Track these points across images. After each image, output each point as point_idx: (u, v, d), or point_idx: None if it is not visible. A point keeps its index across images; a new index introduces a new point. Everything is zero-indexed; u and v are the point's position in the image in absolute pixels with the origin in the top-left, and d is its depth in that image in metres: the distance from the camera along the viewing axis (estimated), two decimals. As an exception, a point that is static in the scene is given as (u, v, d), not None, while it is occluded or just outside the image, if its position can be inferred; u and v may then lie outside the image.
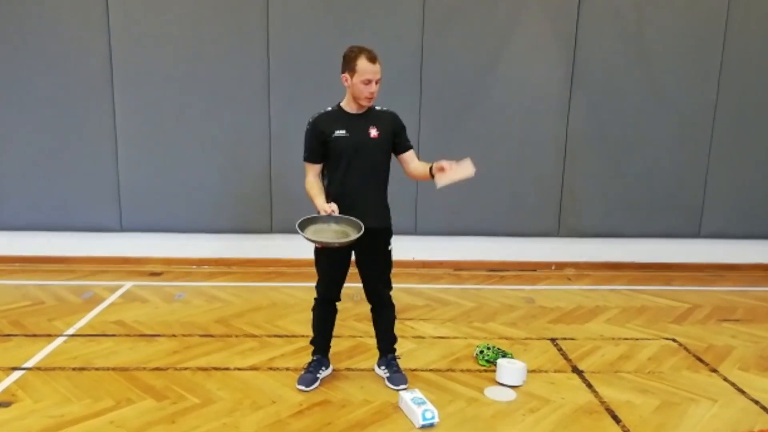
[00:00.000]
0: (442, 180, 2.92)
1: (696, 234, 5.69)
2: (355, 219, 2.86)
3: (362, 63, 2.84)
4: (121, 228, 5.39)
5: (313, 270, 3.19)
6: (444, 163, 2.92)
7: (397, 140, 3.07)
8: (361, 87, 2.87)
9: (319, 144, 2.97)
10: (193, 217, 5.38)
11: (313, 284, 3.21)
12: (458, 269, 5.59)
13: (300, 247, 5.32)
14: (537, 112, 5.38)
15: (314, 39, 5.14)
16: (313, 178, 3.04)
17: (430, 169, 2.99)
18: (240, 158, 5.31)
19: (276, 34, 5.13)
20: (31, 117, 5.16)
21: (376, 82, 2.88)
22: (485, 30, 5.24)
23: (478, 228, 5.57)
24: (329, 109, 3.03)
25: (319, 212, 2.94)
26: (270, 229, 5.46)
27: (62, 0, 5.00)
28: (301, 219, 2.86)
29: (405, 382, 3.17)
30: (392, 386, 3.15)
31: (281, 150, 5.29)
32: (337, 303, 3.23)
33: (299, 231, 2.80)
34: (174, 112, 5.21)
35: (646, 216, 5.60)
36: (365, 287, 3.20)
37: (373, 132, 2.98)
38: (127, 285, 4.88)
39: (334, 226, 2.89)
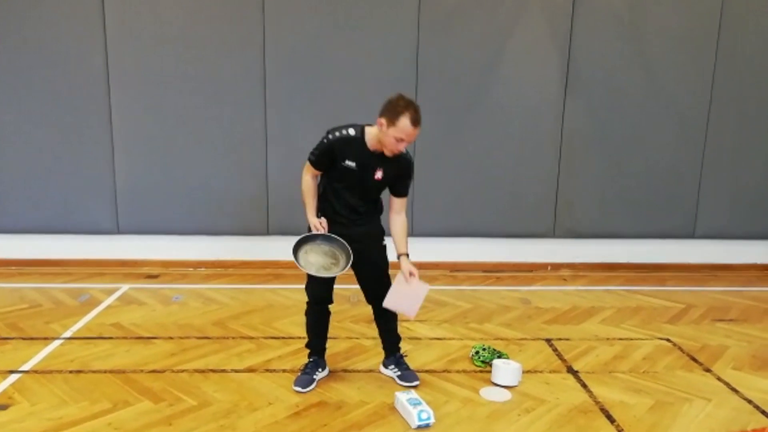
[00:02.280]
0: (391, 303, 3.08)
1: (690, 235, 5.73)
2: (343, 242, 2.98)
3: (404, 122, 2.75)
4: (118, 230, 5.40)
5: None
6: (413, 272, 3.03)
7: (395, 183, 3.06)
8: (392, 141, 2.81)
9: (327, 161, 2.97)
10: (190, 219, 5.39)
11: (309, 286, 3.22)
12: (454, 270, 5.61)
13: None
14: (533, 114, 5.40)
15: (310, 40, 5.16)
16: (310, 179, 3.06)
17: (398, 255, 3.08)
18: (236, 160, 5.32)
19: (272, 36, 5.14)
20: (27, 120, 5.16)
21: (408, 142, 2.86)
22: (481, 31, 5.26)
23: (474, 229, 5.60)
24: (352, 133, 2.92)
25: (309, 226, 3.05)
26: (266, 231, 5.47)
27: (59, 2, 5.01)
28: (295, 242, 2.98)
29: (417, 379, 3.21)
30: (405, 384, 3.18)
31: (278, 152, 5.30)
32: (329, 305, 3.22)
33: (293, 258, 2.96)
34: (170, 114, 5.22)
35: (641, 217, 5.64)
36: (365, 288, 3.21)
37: (378, 174, 2.96)
38: (124, 287, 4.89)
39: (324, 247, 3.01)
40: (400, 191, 3.10)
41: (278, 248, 5.49)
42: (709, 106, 5.48)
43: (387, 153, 2.88)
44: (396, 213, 3.12)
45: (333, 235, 3.01)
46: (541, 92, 5.38)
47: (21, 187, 5.28)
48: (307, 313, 3.24)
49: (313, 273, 2.97)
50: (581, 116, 5.45)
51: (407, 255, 3.09)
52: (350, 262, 2.97)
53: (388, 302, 3.09)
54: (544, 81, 5.36)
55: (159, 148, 5.27)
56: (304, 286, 3.18)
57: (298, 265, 2.96)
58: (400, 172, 3.02)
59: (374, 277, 3.17)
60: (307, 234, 3.03)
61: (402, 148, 2.85)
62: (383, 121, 2.81)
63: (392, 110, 2.78)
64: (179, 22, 5.10)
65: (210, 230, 5.46)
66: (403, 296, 3.07)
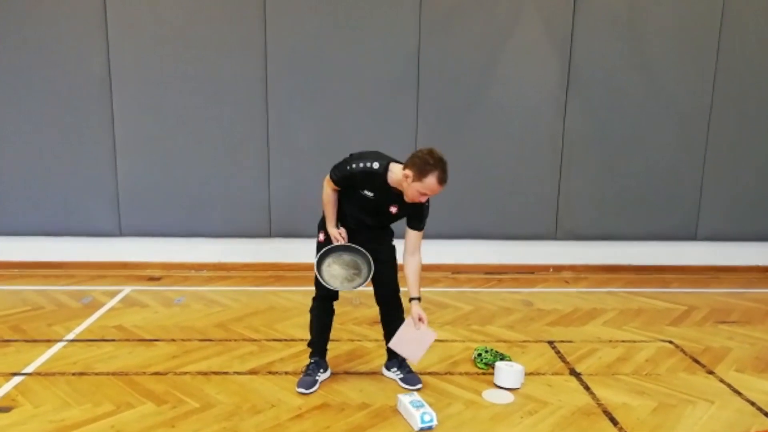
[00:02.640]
0: (396, 345, 3.13)
1: (692, 236, 5.72)
2: (364, 251, 3.05)
3: (432, 180, 2.74)
4: (120, 233, 5.40)
5: (311, 274, 3.20)
6: (422, 317, 3.06)
7: (410, 218, 3.06)
8: (416, 194, 2.81)
9: (347, 185, 2.97)
10: (192, 221, 5.39)
11: (311, 288, 3.22)
12: (456, 272, 5.60)
13: (298, 251, 5.38)
14: (533, 115, 5.40)
15: (311, 40, 5.17)
16: (331, 192, 3.06)
17: (410, 298, 3.10)
18: (238, 162, 5.33)
19: (273, 36, 5.15)
20: (29, 121, 5.17)
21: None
22: (481, 31, 5.26)
23: (476, 231, 5.60)
24: (375, 167, 2.87)
25: (328, 236, 3.11)
26: (269, 234, 5.47)
27: (61, 2, 5.02)
28: (318, 256, 3.06)
29: (420, 381, 3.22)
30: (408, 386, 3.19)
31: (279, 154, 5.31)
32: (334, 303, 3.24)
33: (317, 274, 3.04)
34: (172, 116, 5.22)
35: (643, 218, 5.63)
36: (376, 287, 3.21)
37: (393, 209, 3.00)
38: (126, 290, 4.89)
39: (346, 258, 3.08)
40: (414, 225, 3.07)
41: (280, 250, 5.52)
42: (711, 106, 5.48)
43: (407, 199, 2.89)
44: (410, 254, 3.08)
45: (354, 246, 3.06)
46: (541, 92, 5.38)
47: (22, 189, 5.28)
48: (312, 310, 3.26)
49: (338, 287, 3.03)
50: (582, 116, 5.45)
51: (419, 299, 3.10)
52: (372, 272, 3.04)
53: (394, 344, 3.14)
54: (544, 81, 5.36)
55: (161, 150, 5.28)
56: (305, 288, 3.18)
57: (322, 281, 3.03)
58: (413, 210, 3.02)
59: (383, 278, 3.17)
60: (328, 247, 3.07)
61: (423, 200, 2.87)
62: (410, 173, 2.77)
63: (421, 166, 2.74)
64: (180, 22, 5.10)
65: (212, 233, 5.46)
66: (410, 340, 3.11)
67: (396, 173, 2.87)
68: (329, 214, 3.08)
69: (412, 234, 3.07)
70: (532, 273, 5.66)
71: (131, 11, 5.06)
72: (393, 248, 3.20)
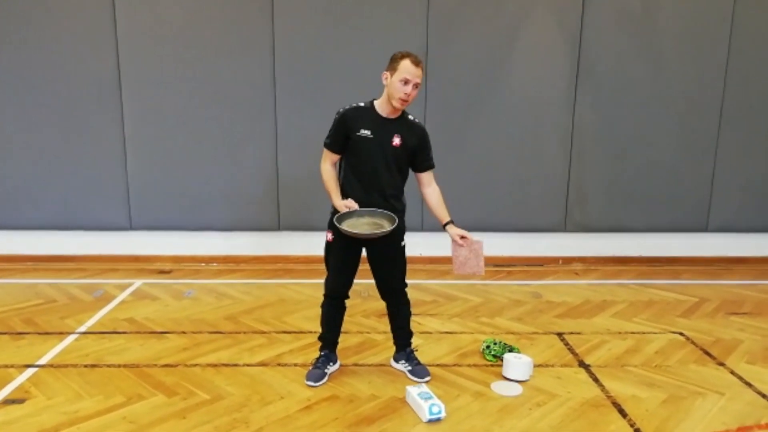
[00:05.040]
0: (459, 270, 3.21)
1: (703, 228, 5.68)
2: (379, 210, 2.97)
3: (405, 63, 2.87)
4: (131, 226, 5.44)
5: (320, 266, 3.21)
6: (463, 234, 3.12)
7: (418, 157, 3.07)
8: (398, 85, 2.87)
9: (343, 137, 2.98)
10: (202, 215, 5.42)
11: (321, 281, 3.23)
12: (465, 265, 5.59)
13: (307, 244, 5.40)
14: (543, 108, 5.38)
15: (318, 39, 5.17)
16: (329, 167, 3.06)
17: (444, 224, 3.15)
18: (247, 156, 5.34)
19: (281, 35, 5.15)
20: (42, 116, 5.21)
21: (414, 86, 2.88)
22: (490, 27, 5.24)
23: (485, 223, 5.57)
24: (362, 104, 3.02)
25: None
26: (278, 227, 5.49)
27: (70, 1, 5.05)
28: (337, 215, 2.93)
29: (429, 374, 3.22)
30: (416, 378, 3.19)
31: (288, 148, 5.32)
32: (345, 300, 3.24)
33: (337, 224, 2.89)
34: (182, 111, 5.24)
35: (653, 210, 5.60)
36: (379, 284, 3.21)
37: (396, 140, 2.98)
38: (137, 283, 4.93)
39: (361, 220, 2.97)
40: (423, 164, 3.11)
41: (289, 243, 5.54)
42: (722, 98, 5.43)
43: (396, 104, 2.91)
44: (426, 186, 3.16)
45: (367, 209, 2.96)
46: (551, 86, 5.35)
47: (34, 185, 5.33)
48: (323, 306, 3.25)
49: (367, 233, 2.88)
50: (592, 110, 5.41)
51: (452, 222, 3.15)
52: (396, 222, 2.93)
53: (456, 270, 3.20)
54: (554, 75, 5.33)
55: (171, 145, 5.30)
56: (314, 280, 3.19)
57: (350, 233, 2.86)
58: (418, 141, 3.03)
59: (392, 273, 3.17)
60: (341, 214, 2.93)
61: (408, 91, 2.87)
62: (387, 73, 2.92)
63: (393, 60, 2.91)
64: (191, 23, 5.11)
65: (221, 226, 5.48)
66: (465, 260, 3.16)
67: (381, 101, 2.99)
68: (333, 189, 3.02)
69: (424, 174, 3.13)
70: (542, 265, 5.65)
71: (141, 12, 5.08)
72: (403, 248, 3.18)
